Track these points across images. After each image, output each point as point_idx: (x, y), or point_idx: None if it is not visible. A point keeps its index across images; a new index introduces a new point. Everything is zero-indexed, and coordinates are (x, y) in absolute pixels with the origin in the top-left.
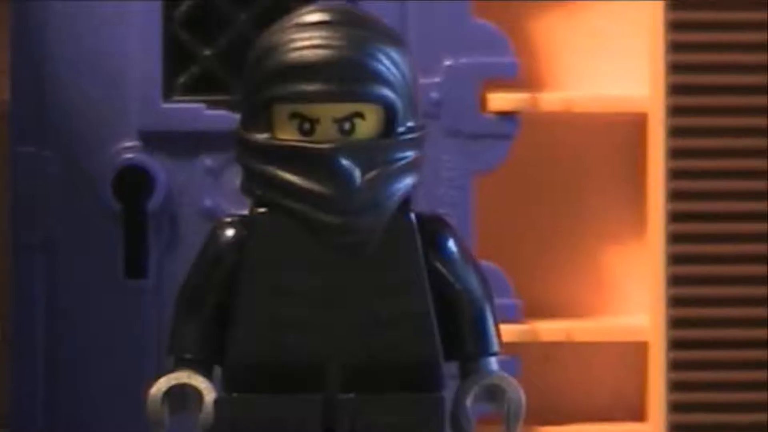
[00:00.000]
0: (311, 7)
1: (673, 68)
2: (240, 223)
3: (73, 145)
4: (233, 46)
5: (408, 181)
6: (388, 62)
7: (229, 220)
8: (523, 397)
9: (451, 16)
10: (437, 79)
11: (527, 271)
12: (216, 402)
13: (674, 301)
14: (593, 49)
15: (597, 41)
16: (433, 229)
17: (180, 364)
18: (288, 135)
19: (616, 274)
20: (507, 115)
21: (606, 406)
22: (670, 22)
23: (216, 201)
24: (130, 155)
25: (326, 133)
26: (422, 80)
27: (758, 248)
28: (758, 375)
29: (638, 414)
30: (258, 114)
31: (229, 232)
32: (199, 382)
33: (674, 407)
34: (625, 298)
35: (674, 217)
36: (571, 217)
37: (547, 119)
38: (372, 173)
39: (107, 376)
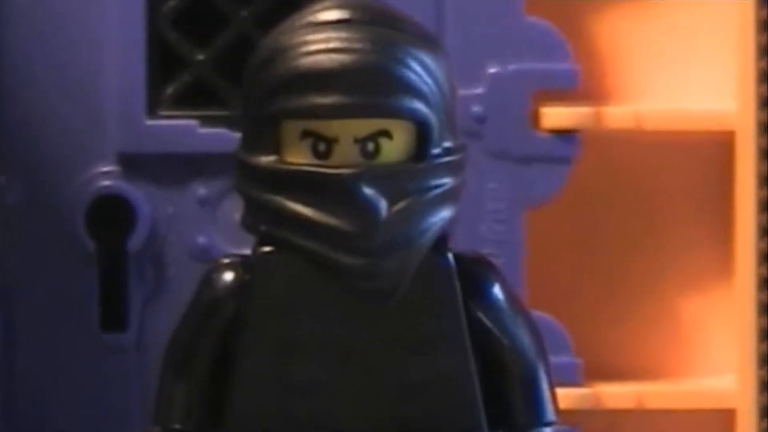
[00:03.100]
0: (327, 2)
1: (766, 77)
2: (241, 265)
3: (37, 169)
4: (232, 50)
5: (444, 214)
6: (421, 69)
7: (227, 261)
8: None
9: (497, 12)
10: (480, 90)
11: (589, 323)
12: None
13: (767, 360)
14: (669, 54)
15: (673, 44)
16: (475, 273)
17: None
18: (299, 158)
19: (696, 326)
20: (565, 134)
21: None
22: (762, 22)
23: (211, 238)
24: (106, 182)
25: (346, 156)
26: (462, 91)
27: None
28: None
29: None
30: (263, 132)
31: (228, 276)
32: None
33: None
34: (708, 355)
35: None
36: (642, 258)
37: (613, 139)
38: (401, 204)
39: None
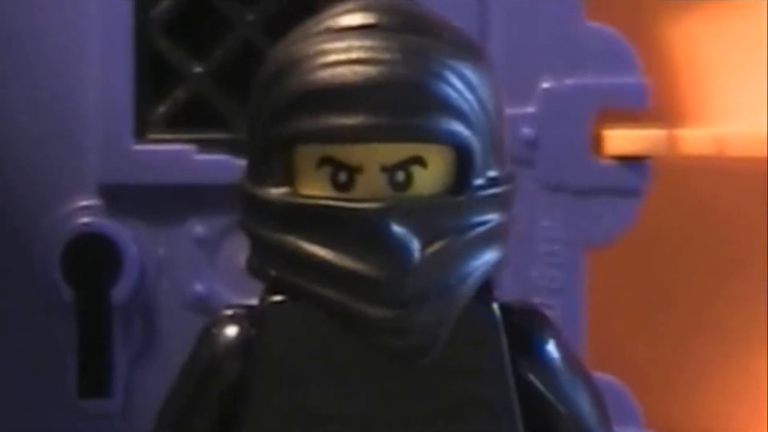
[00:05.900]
0: (349, 5)
1: None
2: (246, 317)
3: (4, 203)
4: (236, 61)
5: (489, 256)
6: (461, 84)
7: (230, 313)
8: None
9: (552, 17)
10: (532, 109)
11: (660, 387)
12: None
13: None
14: (754, 68)
15: (760, 56)
16: (525, 327)
17: None
18: (317, 190)
19: None
20: (633, 162)
21: None
22: None
23: (210, 285)
24: (87, 219)
25: (371, 187)
26: (510, 110)
27: None
28: None
29: None
30: (273, 159)
31: (231, 332)
32: None
33: None
34: None
35: None
36: (724, 309)
37: (690, 167)
38: (437, 246)
39: None
